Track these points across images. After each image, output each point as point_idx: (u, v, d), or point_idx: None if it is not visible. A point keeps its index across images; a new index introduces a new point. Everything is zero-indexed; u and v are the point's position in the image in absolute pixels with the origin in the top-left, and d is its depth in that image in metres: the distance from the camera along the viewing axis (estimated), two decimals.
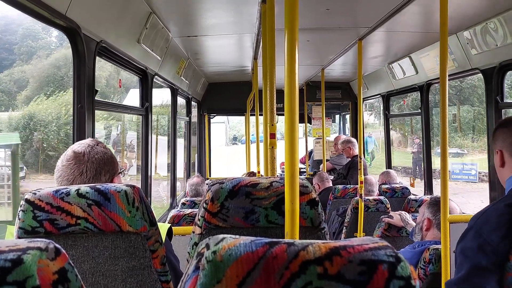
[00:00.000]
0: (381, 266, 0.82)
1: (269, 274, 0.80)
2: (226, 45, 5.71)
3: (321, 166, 8.04)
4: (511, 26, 3.76)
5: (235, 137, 42.06)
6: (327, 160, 8.03)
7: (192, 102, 8.29)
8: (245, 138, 8.93)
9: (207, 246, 0.83)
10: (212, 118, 9.96)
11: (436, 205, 3.38)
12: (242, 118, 10.43)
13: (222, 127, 38.66)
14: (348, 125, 10.94)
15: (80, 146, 1.96)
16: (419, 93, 6.41)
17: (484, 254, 1.83)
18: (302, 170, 9.63)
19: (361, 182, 4.86)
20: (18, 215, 1.60)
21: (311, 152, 9.87)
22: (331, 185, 6.37)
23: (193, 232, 1.78)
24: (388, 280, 0.81)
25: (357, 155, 6.62)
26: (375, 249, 0.84)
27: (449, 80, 3.21)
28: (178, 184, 6.74)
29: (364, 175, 5.09)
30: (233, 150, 31.60)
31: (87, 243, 1.63)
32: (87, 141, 2.02)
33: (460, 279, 1.88)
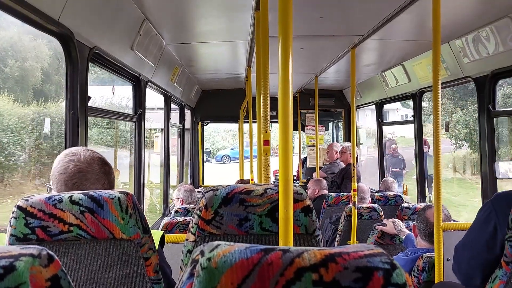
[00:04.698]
0: (377, 273, 0.81)
1: (264, 281, 0.79)
2: (220, 52, 5.71)
3: (314, 174, 8.04)
4: (503, 35, 3.79)
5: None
6: (320, 168, 8.04)
7: (186, 109, 8.28)
8: (239, 145, 8.91)
9: (202, 253, 0.83)
10: (206, 125, 9.93)
11: (420, 214, 3.37)
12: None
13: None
14: (341, 132, 10.95)
15: (74, 149, 1.94)
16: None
17: None
18: (295, 177, 9.62)
19: (354, 190, 4.87)
20: (10, 222, 1.58)
21: (304, 160, 9.87)
22: (326, 193, 6.36)
23: (187, 239, 1.77)
24: (383, 287, 0.81)
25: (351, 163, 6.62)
26: (371, 256, 0.84)
27: (441, 88, 3.23)
28: (170, 191, 6.70)
29: (357, 182, 5.10)
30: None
31: (80, 251, 1.61)
32: (80, 147, 1.99)
33: None
